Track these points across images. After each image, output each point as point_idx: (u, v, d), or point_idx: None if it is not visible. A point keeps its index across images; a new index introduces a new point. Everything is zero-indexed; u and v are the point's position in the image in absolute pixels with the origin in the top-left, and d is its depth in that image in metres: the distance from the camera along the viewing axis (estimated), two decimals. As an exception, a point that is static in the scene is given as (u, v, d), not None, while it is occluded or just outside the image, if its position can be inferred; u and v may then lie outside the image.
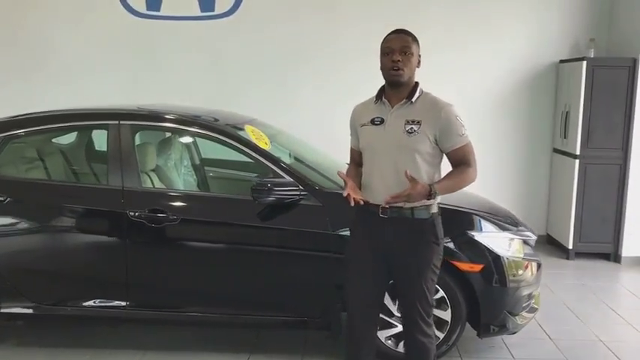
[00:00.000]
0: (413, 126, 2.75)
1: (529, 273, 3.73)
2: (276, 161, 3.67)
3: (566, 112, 6.00)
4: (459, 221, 3.62)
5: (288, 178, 3.56)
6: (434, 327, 3.03)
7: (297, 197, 3.53)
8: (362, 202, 2.75)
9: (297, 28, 6.34)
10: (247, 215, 3.56)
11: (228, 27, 6.38)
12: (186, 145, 4.60)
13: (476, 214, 3.72)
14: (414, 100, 2.79)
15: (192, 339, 4.00)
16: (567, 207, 5.97)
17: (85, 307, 3.68)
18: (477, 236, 3.58)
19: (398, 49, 2.74)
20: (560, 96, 6.23)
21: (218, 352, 3.82)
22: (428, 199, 2.71)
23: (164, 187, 3.95)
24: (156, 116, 3.98)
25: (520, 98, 6.39)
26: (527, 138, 6.47)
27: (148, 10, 6.43)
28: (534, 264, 3.82)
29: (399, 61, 2.73)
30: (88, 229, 3.68)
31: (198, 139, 4.39)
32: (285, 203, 3.51)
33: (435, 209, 2.85)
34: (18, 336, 4.04)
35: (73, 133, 4.27)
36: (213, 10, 6.44)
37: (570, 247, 5.98)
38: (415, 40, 2.81)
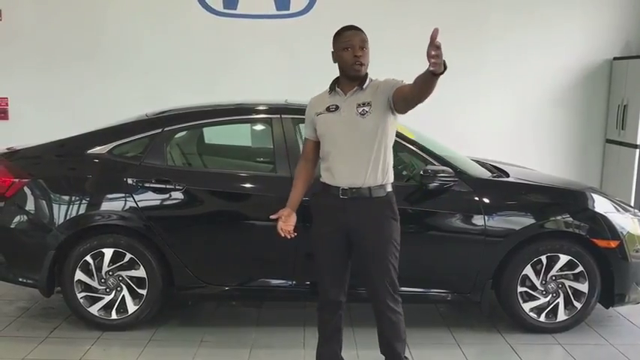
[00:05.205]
0: (364, 107, 2.94)
1: (647, 249, 4.20)
2: (430, 152, 4.01)
3: (624, 106, 6.51)
4: (599, 204, 4.11)
5: (445, 167, 3.89)
6: (401, 304, 3.10)
7: (452, 183, 3.88)
8: (294, 235, 3.07)
9: (371, 26, 6.57)
10: (414, 200, 3.88)
11: (303, 25, 6.64)
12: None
13: (611, 200, 4.21)
14: (364, 87, 2.99)
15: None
16: (627, 193, 6.44)
17: (254, 286, 3.99)
18: (613, 217, 4.03)
19: (358, 45, 2.95)
20: (616, 90, 6.73)
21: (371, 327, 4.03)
22: (442, 71, 2.62)
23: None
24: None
25: (574, 93, 6.86)
26: (581, 129, 6.95)
27: (224, 8, 6.68)
28: (647, 241, 4.29)
29: (360, 56, 2.93)
30: (262, 213, 3.93)
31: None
32: (444, 188, 3.87)
33: (389, 188, 3.04)
34: (180, 316, 4.29)
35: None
36: (288, 9, 6.71)
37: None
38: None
